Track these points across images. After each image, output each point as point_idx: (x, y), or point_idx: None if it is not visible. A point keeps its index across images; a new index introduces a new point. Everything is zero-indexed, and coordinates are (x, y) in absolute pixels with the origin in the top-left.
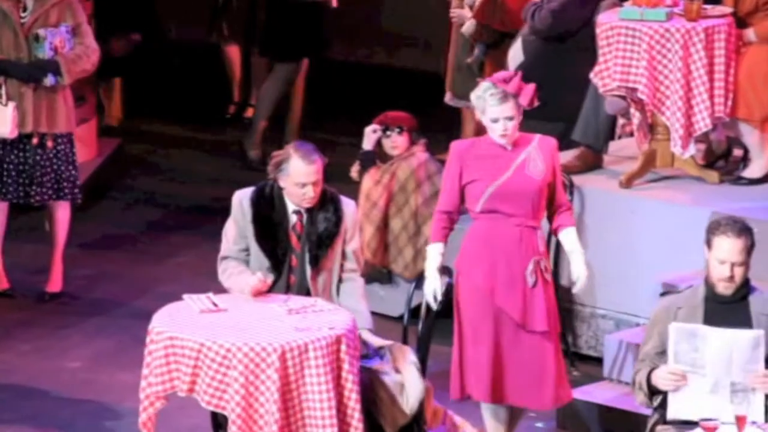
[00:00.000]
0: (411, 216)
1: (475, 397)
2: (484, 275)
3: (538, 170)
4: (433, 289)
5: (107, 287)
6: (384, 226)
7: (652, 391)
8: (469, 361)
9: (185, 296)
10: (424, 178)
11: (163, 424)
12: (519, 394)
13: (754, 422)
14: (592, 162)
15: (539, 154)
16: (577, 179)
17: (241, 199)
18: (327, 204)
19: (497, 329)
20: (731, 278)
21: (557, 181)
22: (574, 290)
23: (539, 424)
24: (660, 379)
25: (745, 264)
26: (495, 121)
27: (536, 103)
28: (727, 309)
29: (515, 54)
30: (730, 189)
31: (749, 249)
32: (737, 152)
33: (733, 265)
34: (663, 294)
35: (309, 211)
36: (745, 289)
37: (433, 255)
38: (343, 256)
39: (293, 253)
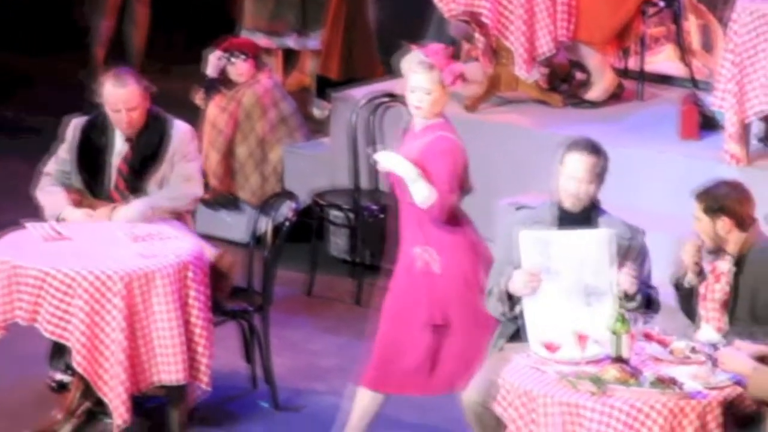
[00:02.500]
0: (257, 143)
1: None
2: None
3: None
4: None
5: None
6: (230, 153)
7: (511, 300)
8: None
9: (28, 224)
10: (270, 104)
11: (4, 352)
12: (407, 383)
13: (596, 341)
14: None
15: (420, 149)
16: None
17: (75, 125)
18: (154, 128)
19: (398, 318)
20: (577, 195)
21: (431, 176)
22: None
23: None
24: (516, 284)
25: (593, 183)
26: (412, 90)
27: (459, 86)
28: (578, 228)
29: None
30: (572, 112)
31: (598, 170)
32: (579, 75)
33: (579, 181)
34: (519, 209)
35: (138, 137)
36: (595, 211)
37: None
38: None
39: (121, 178)
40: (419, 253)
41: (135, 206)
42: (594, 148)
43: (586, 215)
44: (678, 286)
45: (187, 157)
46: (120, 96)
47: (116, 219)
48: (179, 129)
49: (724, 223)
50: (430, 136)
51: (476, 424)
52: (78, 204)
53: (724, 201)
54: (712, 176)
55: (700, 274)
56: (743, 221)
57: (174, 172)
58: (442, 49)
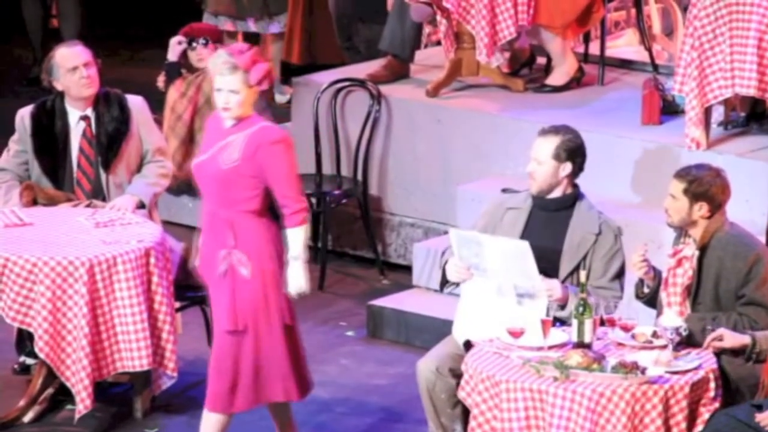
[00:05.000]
0: None
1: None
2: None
3: (229, 159)
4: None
5: None
6: (190, 140)
7: (446, 282)
8: None
9: None
10: None
11: None
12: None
13: (561, 323)
14: (399, 71)
15: (243, 144)
16: (384, 89)
17: (23, 115)
18: (112, 104)
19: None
20: (531, 174)
21: (269, 180)
22: (292, 295)
23: (350, 333)
24: (449, 269)
25: (545, 165)
26: (218, 90)
27: (266, 85)
28: (550, 216)
29: None
30: (534, 97)
31: (554, 151)
32: (541, 60)
33: (532, 160)
34: (504, 191)
35: (95, 113)
36: (570, 199)
37: None
38: (144, 156)
39: (84, 157)
40: (224, 255)
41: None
42: (550, 130)
43: (561, 203)
44: (640, 296)
45: (150, 127)
46: (74, 52)
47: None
48: (134, 101)
49: (701, 208)
50: (253, 128)
51: (427, 394)
52: (32, 203)
53: (709, 187)
54: (673, 161)
55: (655, 277)
56: (719, 208)
57: (144, 147)
58: (246, 49)
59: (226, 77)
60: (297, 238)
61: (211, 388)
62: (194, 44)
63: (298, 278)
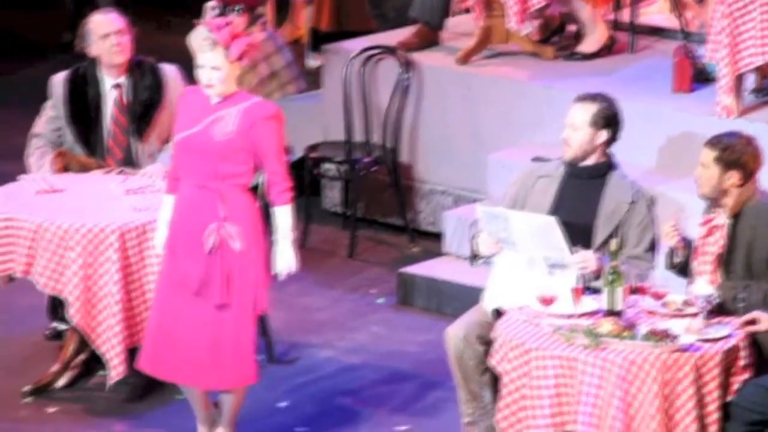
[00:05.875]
0: None
1: (137, 365)
2: (168, 235)
3: (223, 132)
4: (159, 241)
5: None
6: None
7: (475, 254)
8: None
9: (21, 177)
10: (260, 58)
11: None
12: (183, 371)
13: (593, 291)
14: (429, 39)
15: (238, 117)
16: (414, 56)
17: (57, 81)
18: (146, 73)
19: (174, 296)
20: (566, 140)
21: (262, 156)
22: (279, 277)
23: (380, 300)
24: (479, 243)
25: (581, 131)
26: (201, 67)
27: (246, 60)
28: (583, 184)
29: None
30: (564, 64)
31: (591, 118)
32: (571, 28)
33: (567, 126)
34: (534, 160)
35: (129, 81)
36: (604, 167)
37: (165, 208)
38: None
39: (116, 125)
40: (213, 228)
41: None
42: (587, 96)
43: (594, 171)
44: (672, 266)
45: None
46: (107, 19)
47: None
48: (168, 69)
49: (733, 177)
50: (247, 102)
51: (455, 361)
52: (63, 170)
53: (740, 155)
54: (704, 129)
55: (686, 247)
56: (750, 177)
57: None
58: (224, 24)
59: (207, 54)
60: (286, 215)
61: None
62: (228, 11)
63: (288, 257)
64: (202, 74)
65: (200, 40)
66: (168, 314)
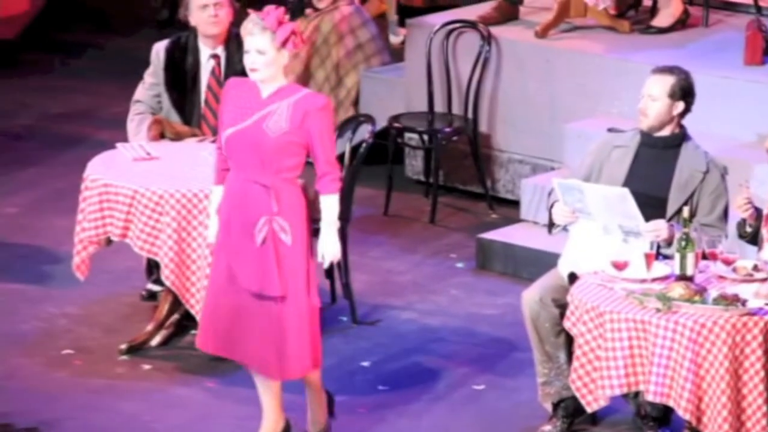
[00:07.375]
0: (333, 68)
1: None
2: (220, 227)
3: (276, 127)
4: (212, 232)
5: (42, 136)
6: (305, 77)
7: (552, 222)
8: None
9: (119, 145)
10: (347, 31)
11: (98, 267)
12: (249, 357)
13: (665, 257)
14: (509, 13)
15: (289, 112)
16: (494, 30)
17: (158, 48)
18: (241, 46)
19: (226, 292)
20: (642, 110)
21: (315, 146)
22: (324, 265)
23: (459, 264)
24: (555, 212)
25: (658, 101)
26: (247, 52)
27: (292, 47)
28: (657, 154)
29: None
30: (640, 38)
31: (669, 89)
32: (647, 2)
33: (644, 96)
34: (610, 130)
35: (226, 53)
36: (678, 138)
37: (214, 199)
38: None
39: (211, 94)
40: (264, 222)
41: None
42: (665, 69)
43: (669, 142)
44: (743, 236)
45: None
46: None
47: None
48: None
49: None
50: (296, 95)
51: (531, 324)
52: (159, 137)
53: None
54: None
55: (758, 218)
56: None
57: None
58: (273, 10)
59: (255, 37)
60: (334, 204)
61: (263, 355)
62: None
63: (333, 244)
64: (247, 58)
65: (249, 24)
66: (225, 309)
